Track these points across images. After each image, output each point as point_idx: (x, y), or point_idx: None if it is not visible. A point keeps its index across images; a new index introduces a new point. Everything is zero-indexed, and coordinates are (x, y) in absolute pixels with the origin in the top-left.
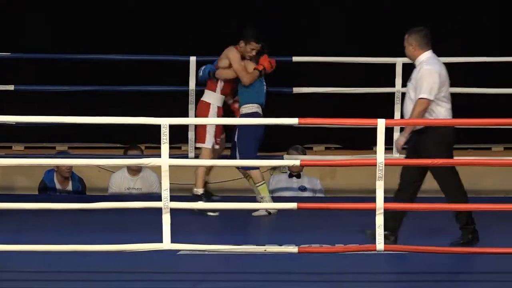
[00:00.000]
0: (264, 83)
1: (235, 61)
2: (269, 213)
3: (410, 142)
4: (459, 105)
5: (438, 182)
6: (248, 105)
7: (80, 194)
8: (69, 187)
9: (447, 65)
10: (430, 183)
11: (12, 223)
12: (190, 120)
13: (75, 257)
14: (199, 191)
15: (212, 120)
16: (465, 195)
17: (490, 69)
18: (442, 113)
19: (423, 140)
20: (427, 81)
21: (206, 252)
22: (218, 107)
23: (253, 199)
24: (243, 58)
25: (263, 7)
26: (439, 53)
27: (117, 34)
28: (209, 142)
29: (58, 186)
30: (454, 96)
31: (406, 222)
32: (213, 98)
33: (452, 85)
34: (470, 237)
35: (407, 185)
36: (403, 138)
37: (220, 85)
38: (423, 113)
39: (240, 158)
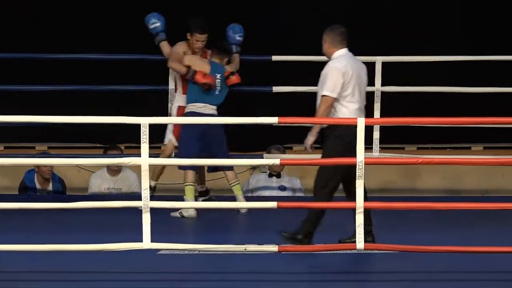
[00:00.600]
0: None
1: (171, 49)
2: (182, 215)
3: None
4: (438, 103)
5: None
6: (188, 105)
7: (60, 194)
8: (50, 187)
9: (436, 64)
10: (408, 182)
11: None
12: (170, 119)
13: (55, 257)
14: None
15: (188, 120)
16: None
17: (472, 68)
18: (345, 113)
19: (324, 139)
20: (330, 79)
21: (186, 252)
22: (179, 107)
23: (233, 199)
24: (193, 53)
25: (239, 5)
26: (433, 52)
27: (98, 33)
28: (166, 138)
29: (38, 186)
30: (434, 94)
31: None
32: (176, 98)
33: (439, 84)
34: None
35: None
36: (312, 137)
37: (180, 85)
38: (327, 110)
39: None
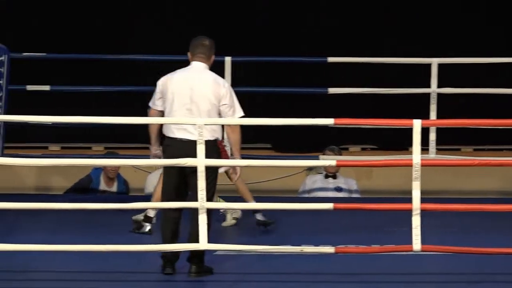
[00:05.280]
0: None
1: None
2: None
3: None
4: (495, 104)
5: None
6: None
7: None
8: (114, 188)
9: (492, 66)
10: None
11: (45, 222)
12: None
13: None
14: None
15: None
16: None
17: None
18: (166, 126)
19: None
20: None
21: (243, 252)
22: None
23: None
24: None
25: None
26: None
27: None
28: None
29: (103, 185)
30: (491, 96)
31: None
32: None
33: (496, 85)
34: None
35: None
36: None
37: None
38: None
39: None
